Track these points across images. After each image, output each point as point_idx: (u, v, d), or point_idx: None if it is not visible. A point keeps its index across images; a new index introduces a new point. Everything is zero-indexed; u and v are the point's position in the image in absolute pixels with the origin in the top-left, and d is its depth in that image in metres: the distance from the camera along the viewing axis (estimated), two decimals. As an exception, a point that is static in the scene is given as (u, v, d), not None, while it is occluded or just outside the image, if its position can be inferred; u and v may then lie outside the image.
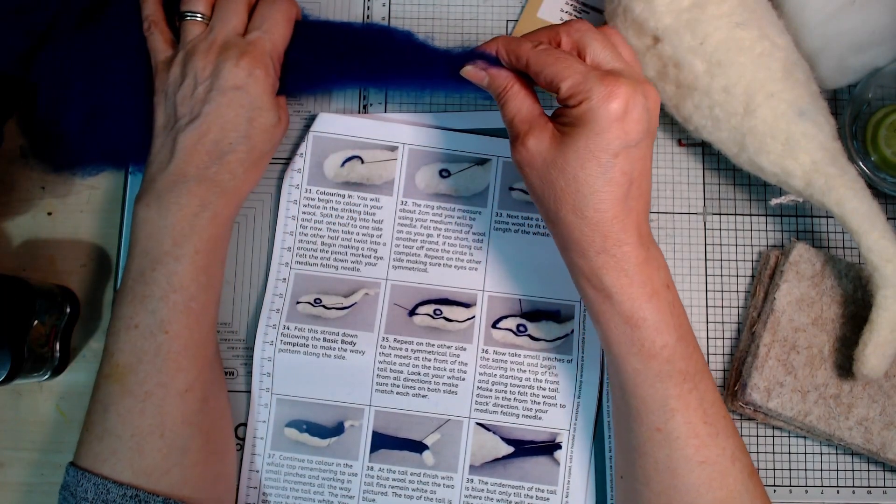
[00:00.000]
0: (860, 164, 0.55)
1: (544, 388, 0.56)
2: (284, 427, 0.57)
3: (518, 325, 0.57)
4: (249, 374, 0.57)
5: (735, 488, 0.45)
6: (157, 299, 0.49)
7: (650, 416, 0.45)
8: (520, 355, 0.57)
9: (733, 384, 0.56)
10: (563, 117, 0.44)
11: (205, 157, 0.51)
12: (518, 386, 0.56)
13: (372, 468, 0.56)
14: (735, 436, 0.46)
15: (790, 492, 0.57)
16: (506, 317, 0.57)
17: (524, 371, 0.56)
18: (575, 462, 0.56)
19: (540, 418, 0.56)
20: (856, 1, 0.53)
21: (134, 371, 0.49)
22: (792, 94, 0.51)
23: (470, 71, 0.49)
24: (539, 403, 0.56)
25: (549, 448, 0.56)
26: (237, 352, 0.58)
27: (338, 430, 0.57)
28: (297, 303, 0.57)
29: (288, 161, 0.59)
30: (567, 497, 0.56)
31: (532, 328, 0.57)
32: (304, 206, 0.58)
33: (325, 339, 0.57)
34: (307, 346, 0.57)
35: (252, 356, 0.57)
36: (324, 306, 0.57)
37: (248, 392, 0.57)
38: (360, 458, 0.56)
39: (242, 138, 0.52)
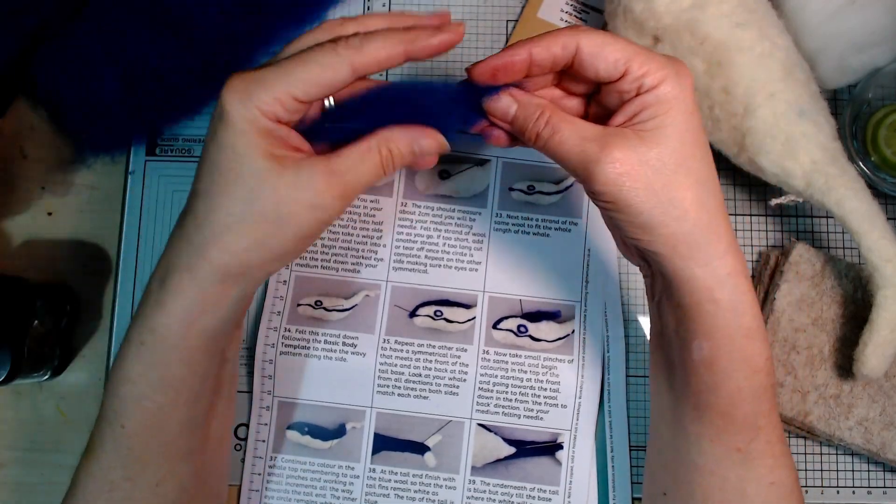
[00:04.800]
0: (860, 164, 0.55)
1: (545, 389, 0.56)
2: (286, 429, 0.57)
3: (519, 326, 0.57)
4: (250, 374, 0.57)
5: None
6: (112, 385, 0.42)
7: (735, 435, 0.41)
8: (520, 356, 0.57)
9: (733, 384, 0.56)
10: (631, 107, 0.38)
11: None
12: (519, 387, 0.56)
13: (374, 470, 0.56)
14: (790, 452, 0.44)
15: (790, 491, 0.57)
16: (506, 318, 0.57)
17: (525, 372, 0.56)
18: (577, 462, 0.56)
19: (541, 419, 0.56)
20: (856, 1, 0.53)
21: (97, 458, 0.43)
22: (792, 94, 0.51)
23: (497, 102, 0.40)
24: (540, 404, 0.56)
25: (550, 448, 0.56)
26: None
27: (339, 432, 0.57)
28: (298, 305, 0.57)
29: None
30: (569, 497, 0.56)
31: (533, 329, 0.57)
32: (305, 207, 0.58)
33: (325, 342, 0.57)
34: (308, 348, 0.57)
35: (252, 356, 0.57)
36: (324, 308, 0.57)
37: (250, 392, 0.57)
38: (362, 460, 0.56)
39: None
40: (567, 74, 0.42)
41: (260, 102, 0.37)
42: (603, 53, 0.38)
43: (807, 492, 0.57)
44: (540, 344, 0.57)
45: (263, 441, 0.57)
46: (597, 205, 0.40)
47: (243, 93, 0.38)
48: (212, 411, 0.46)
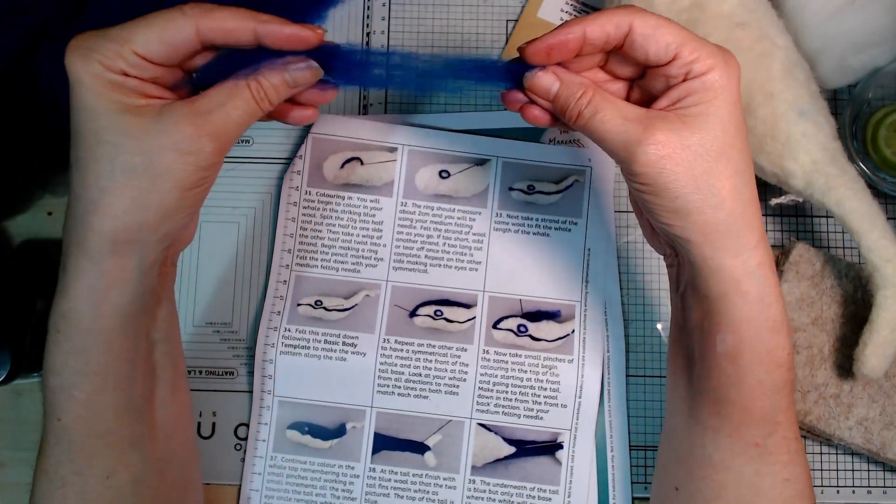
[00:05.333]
0: (860, 164, 0.55)
1: (545, 389, 0.56)
2: (286, 429, 0.57)
3: (519, 326, 0.57)
4: (250, 373, 0.57)
5: None
6: (44, 378, 0.41)
7: (752, 430, 0.41)
8: (521, 356, 0.57)
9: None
10: (676, 92, 0.38)
11: None
12: (519, 386, 0.56)
13: (374, 469, 0.56)
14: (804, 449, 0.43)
15: (790, 491, 0.57)
16: (506, 317, 0.57)
17: (525, 371, 0.56)
18: (577, 462, 0.56)
19: (541, 418, 0.56)
20: (856, 1, 0.53)
21: (46, 455, 0.42)
22: (792, 94, 0.51)
23: (539, 79, 0.40)
24: (540, 404, 0.56)
25: (550, 448, 0.56)
26: (237, 352, 0.58)
27: (339, 431, 0.57)
28: (298, 305, 0.57)
29: (287, 162, 0.59)
30: (569, 497, 0.56)
31: (533, 328, 0.57)
32: (304, 207, 0.58)
33: (326, 341, 0.57)
34: (308, 348, 0.57)
35: (252, 356, 0.57)
36: (325, 308, 0.57)
37: (250, 392, 0.57)
38: (362, 459, 0.56)
39: None
40: (615, 56, 0.41)
41: (101, 56, 0.36)
42: (655, 35, 0.37)
43: (807, 491, 0.57)
44: (540, 344, 0.57)
45: (263, 441, 0.57)
46: (632, 187, 0.39)
47: (84, 49, 0.36)
48: (151, 397, 0.44)
